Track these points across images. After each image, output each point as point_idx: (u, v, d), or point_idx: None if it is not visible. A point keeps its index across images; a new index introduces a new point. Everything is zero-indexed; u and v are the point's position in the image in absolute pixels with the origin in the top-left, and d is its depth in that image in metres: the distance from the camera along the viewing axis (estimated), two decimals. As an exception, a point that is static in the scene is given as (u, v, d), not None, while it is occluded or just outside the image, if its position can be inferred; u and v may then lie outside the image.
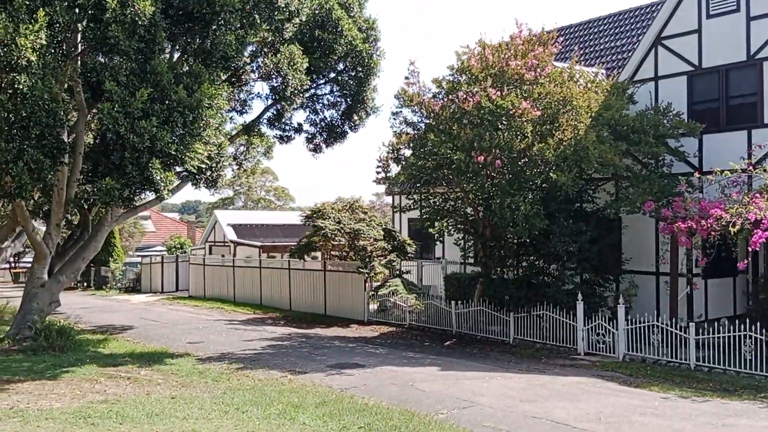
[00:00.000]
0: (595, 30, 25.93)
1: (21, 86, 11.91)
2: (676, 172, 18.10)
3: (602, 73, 20.34)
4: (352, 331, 21.97)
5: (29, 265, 64.25)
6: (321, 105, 19.44)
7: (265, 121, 18.73)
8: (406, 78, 19.36)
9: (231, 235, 39.10)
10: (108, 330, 22.32)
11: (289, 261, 28.13)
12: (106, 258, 44.36)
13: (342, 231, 23.99)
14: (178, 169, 13.79)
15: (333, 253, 26.35)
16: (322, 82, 18.64)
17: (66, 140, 14.27)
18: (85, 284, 47.81)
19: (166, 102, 13.42)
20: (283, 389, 12.64)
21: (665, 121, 17.85)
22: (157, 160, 13.07)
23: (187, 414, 10.55)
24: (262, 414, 10.62)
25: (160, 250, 48.58)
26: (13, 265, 67.69)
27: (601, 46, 24.93)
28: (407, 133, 18.95)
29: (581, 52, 23.79)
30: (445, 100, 18.14)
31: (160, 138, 13.06)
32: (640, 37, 21.56)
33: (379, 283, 24.71)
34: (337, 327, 22.77)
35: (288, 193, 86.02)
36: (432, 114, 18.16)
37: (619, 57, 23.45)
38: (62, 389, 12.43)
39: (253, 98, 17.13)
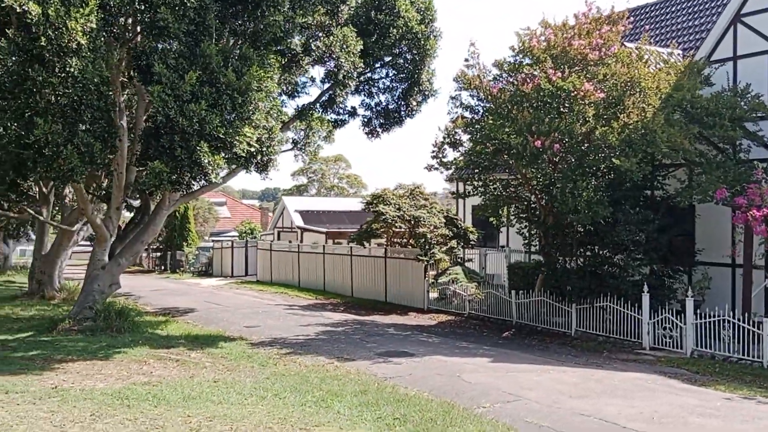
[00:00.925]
0: (670, 9, 24.50)
1: (72, 69, 12.05)
2: (754, 157, 16.87)
3: (677, 54, 19.19)
4: (410, 319, 21.63)
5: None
6: (376, 89, 19.06)
7: (318, 105, 18.49)
8: (466, 60, 18.75)
9: (298, 221, 39.38)
10: (171, 312, 22.74)
11: (351, 247, 27.99)
12: (180, 242, 45.55)
13: (402, 217, 23.64)
14: (227, 153, 13.67)
15: (394, 239, 26.03)
16: (377, 65, 18.26)
17: (121, 124, 14.41)
18: (162, 268, 49.28)
19: (216, 85, 13.34)
20: (326, 376, 12.43)
21: (743, 104, 16.63)
22: (205, 143, 13.01)
23: (224, 398, 10.46)
24: (298, 401, 10.42)
25: (234, 236, 49.52)
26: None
27: (677, 26, 23.54)
28: (464, 117, 18.36)
29: (654, 32, 22.56)
30: (504, 82, 17.46)
31: (208, 121, 13.00)
32: (718, 16, 20.21)
33: (439, 271, 24.26)
34: (396, 314, 22.47)
35: (360, 180, 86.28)
36: (490, 97, 17.51)
37: (696, 37, 22.07)
38: (110, 370, 12.59)
39: (307, 83, 16.92)
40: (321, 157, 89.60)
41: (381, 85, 19.15)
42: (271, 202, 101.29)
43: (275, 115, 14.71)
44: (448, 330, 19.28)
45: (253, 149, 14.00)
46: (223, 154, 13.35)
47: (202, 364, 13.59)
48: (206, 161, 12.92)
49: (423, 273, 23.90)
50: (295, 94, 17.08)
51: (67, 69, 12.05)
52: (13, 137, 13.23)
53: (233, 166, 15.22)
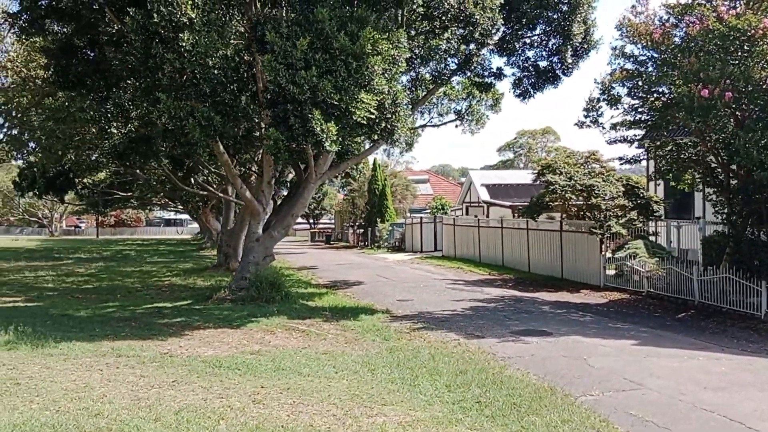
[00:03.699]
0: None
1: (184, 44, 12.34)
2: None
3: None
4: (580, 296, 19.91)
5: (325, 226, 70.80)
6: (522, 46, 17.45)
7: (455, 67, 17.34)
8: (633, 6, 16.62)
9: (484, 195, 38.38)
10: (338, 285, 23.12)
11: (527, 221, 26.55)
12: (376, 219, 46.69)
13: (573, 188, 21.81)
14: (344, 121, 13.23)
15: (570, 211, 24.20)
16: (524, 20, 16.70)
17: (247, 96, 14.55)
18: (364, 243, 50.99)
19: (329, 51, 12.95)
20: (439, 353, 11.61)
21: None
22: (318, 110, 12.70)
23: (315, 371, 10.12)
24: (388, 377, 9.78)
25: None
26: (312, 226, 75.10)
27: None
28: (626, 71, 16.26)
29: None
30: (668, 26, 15.17)
31: (321, 88, 12.65)
32: None
33: (618, 246, 22.13)
34: (565, 291, 20.86)
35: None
36: (651, 44, 15.32)
37: None
38: (232, 338, 12.84)
39: (440, 45, 15.82)
40: (528, 130, 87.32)
41: (527, 41, 17.52)
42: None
43: (399, 78, 14.00)
44: (614, 310, 17.42)
45: (373, 116, 13.44)
46: (336, 123, 12.91)
47: (325, 335, 13.43)
48: (318, 129, 12.60)
49: (599, 247, 21.94)
50: (429, 58, 16.15)
51: (180, 44, 12.35)
52: (143, 114, 13.94)
53: (358, 136, 14.71)
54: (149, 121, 13.99)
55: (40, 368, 9.70)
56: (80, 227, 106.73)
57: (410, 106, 16.65)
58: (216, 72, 13.00)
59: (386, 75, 13.56)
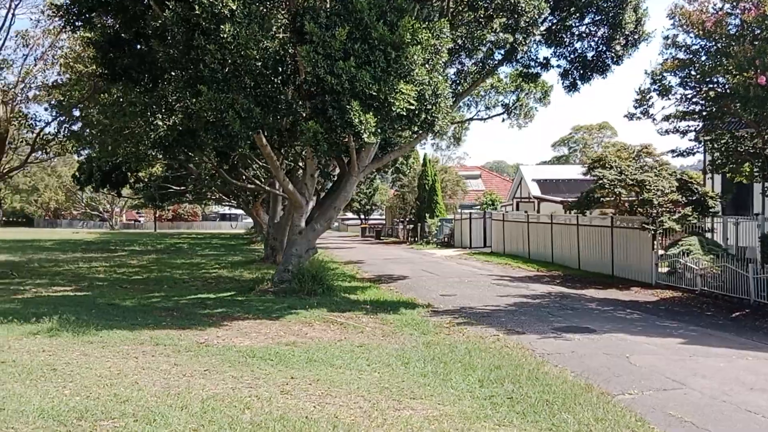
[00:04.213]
0: None
1: (225, 35, 12.37)
2: None
3: None
4: (629, 294, 19.35)
5: (376, 221, 70.93)
6: (570, 36, 16.93)
7: (500, 58, 16.97)
8: (688, -7, 16.01)
9: (535, 190, 37.76)
10: (382, 279, 23.03)
11: (577, 217, 25.96)
12: (424, 215, 46.45)
13: (624, 182, 21.20)
14: (383, 112, 13.08)
15: (621, 207, 23.55)
16: (571, 9, 16.19)
17: (291, 89, 14.51)
18: (413, 239, 50.83)
19: (368, 41, 12.82)
20: (476, 348, 11.39)
21: None
22: (356, 101, 12.59)
23: (347, 364, 10.03)
24: (420, 371, 9.63)
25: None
26: (363, 221, 75.30)
27: None
28: (678, 60, 15.68)
29: None
30: (721, 14, 14.55)
31: (359, 79, 12.54)
32: None
33: (671, 242, 21.42)
34: (615, 289, 20.31)
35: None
36: (705, 32, 14.72)
37: None
38: (270, 329, 12.86)
39: (485, 36, 15.49)
40: (583, 125, 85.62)
41: (575, 31, 16.98)
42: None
43: (440, 69, 13.77)
44: (663, 308, 16.86)
45: (413, 107, 13.25)
46: (375, 114, 12.77)
47: (362, 328, 13.34)
48: (356, 120, 12.49)
49: (650, 244, 21.30)
50: (473, 48, 15.84)
51: (221, 35, 12.39)
52: (187, 106, 14.03)
53: (419, 132, 14.47)
54: (192, 114, 14.09)
55: (79, 355, 9.86)
56: (139, 221, 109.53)
57: (453, 98, 16.33)
58: (257, 64, 13.00)
59: (427, 65, 13.36)
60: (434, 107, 13.80)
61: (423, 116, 13.79)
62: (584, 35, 17.06)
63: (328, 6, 13.09)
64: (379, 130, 13.05)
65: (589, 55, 17.08)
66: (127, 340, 11.11)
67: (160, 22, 13.90)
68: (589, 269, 24.93)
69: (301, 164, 23.65)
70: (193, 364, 9.70)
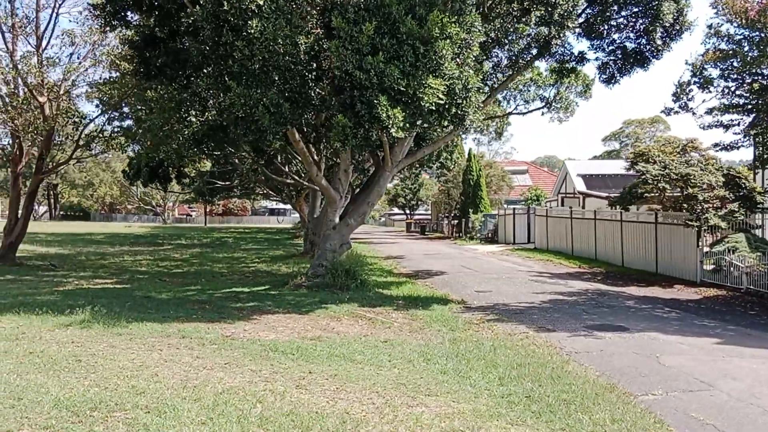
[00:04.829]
0: None
1: (252, 31, 12.43)
2: None
3: None
4: (671, 292, 18.84)
5: (421, 216, 71.00)
6: (608, 27, 16.43)
7: (534, 51, 16.60)
8: (732, -18, 15.45)
9: (580, 185, 37.09)
10: (419, 274, 22.93)
11: (621, 213, 25.39)
12: (468, 210, 46.10)
13: (667, 177, 20.62)
14: (412, 107, 12.96)
15: (666, 202, 22.93)
16: (610, 0, 15.70)
17: (323, 85, 14.50)
18: (458, 234, 50.56)
19: (396, 36, 12.73)
20: (503, 345, 11.23)
21: None
22: (384, 96, 12.51)
23: (368, 359, 10.00)
24: (440, 368, 9.54)
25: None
26: (408, 216, 75.21)
27: None
28: (721, 51, 15.15)
29: None
30: (766, 2, 13.99)
31: (387, 74, 12.46)
32: None
33: (717, 239, 20.78)
34: (657, 287, 19.80)
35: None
36: (748, 22, 14.19)
37: None
38: (297, 323, 12.90)
39: (518, 28, 15.18)
40: (634, 119, 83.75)
41: (613, 23, 16.49)
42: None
43: (471, 63, 13.58)
44: (705, 306, 16.36)
45: (443, 101, 13.11)
46: (403, 109, 12.66)
47: (390, 323, 13.28)
48: (384, 115, 12.41)
49: (695, 241, 20.70)
50: (506, 42, 15.55)
51: (248, 31, 12.46)
52: (219, 102, 14.16)
53: (452, 127, 14.30)
54: (224, 109, 14.22)
55: (105, 347, 10.06)
56: (191, 216, 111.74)
57: (486, 92, 16.12)
58: (286, 59, 13.03)
59: (457, 60, 13.20)
60: (465, 101, 13.64)
61: (453, 110, 13.63)
62: (622, 27, 16.59)
63: (356, 1, 13.02)
64: (407, 125, 12.95)
65: (629, 46, 16.60)
66: (155, 333, 11.29)
67: (192, 19, 14.05)
68: (632, 266, 24.40)
69: (337, 160, 23.69)
70: (215, 357, 9.79)
